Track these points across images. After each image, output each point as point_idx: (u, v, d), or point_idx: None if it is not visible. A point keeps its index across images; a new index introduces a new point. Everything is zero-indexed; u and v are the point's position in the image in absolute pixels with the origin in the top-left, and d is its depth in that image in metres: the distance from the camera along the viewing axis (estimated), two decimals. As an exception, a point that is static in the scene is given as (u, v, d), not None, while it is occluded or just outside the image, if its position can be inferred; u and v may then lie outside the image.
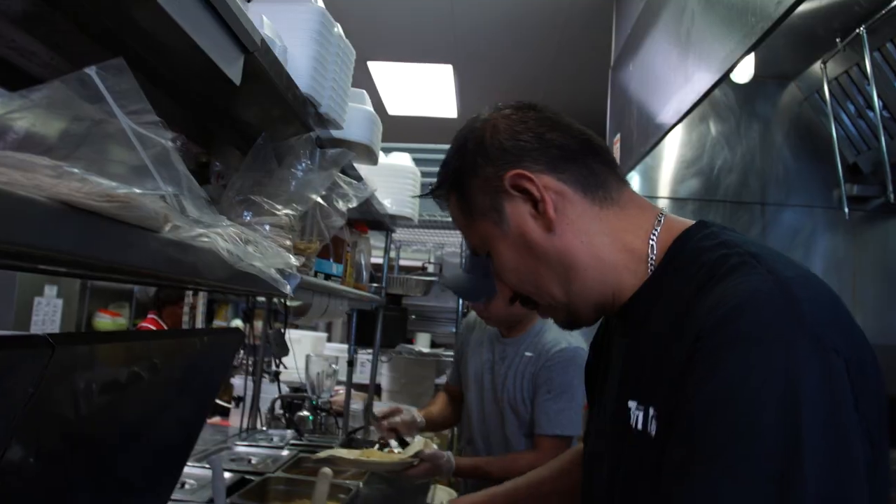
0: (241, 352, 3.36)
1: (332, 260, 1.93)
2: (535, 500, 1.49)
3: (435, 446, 2.02)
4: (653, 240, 0.89)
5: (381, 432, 2.22)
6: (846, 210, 3.12)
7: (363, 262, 2.42)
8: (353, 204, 1.44)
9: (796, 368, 0.68)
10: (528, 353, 2.16)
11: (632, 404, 0.87)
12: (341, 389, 3.73)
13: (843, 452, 0.68)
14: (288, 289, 1.08)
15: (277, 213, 1.22)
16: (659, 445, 0.79)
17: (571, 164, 0.90)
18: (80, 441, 1.66)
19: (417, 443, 1.98)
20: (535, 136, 0.90)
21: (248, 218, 1.24)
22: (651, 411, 0.82)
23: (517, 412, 2.16)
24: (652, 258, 0.88)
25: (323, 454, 2.03)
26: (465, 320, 2.49)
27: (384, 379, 4.19)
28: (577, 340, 2.18)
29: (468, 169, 0.93)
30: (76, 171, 0.59)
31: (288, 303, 3.61)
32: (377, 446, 2.22)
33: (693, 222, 0.90)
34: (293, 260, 1.08)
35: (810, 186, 3.53)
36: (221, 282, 1.11)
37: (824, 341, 0.70)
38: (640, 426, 0.84)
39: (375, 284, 2.90)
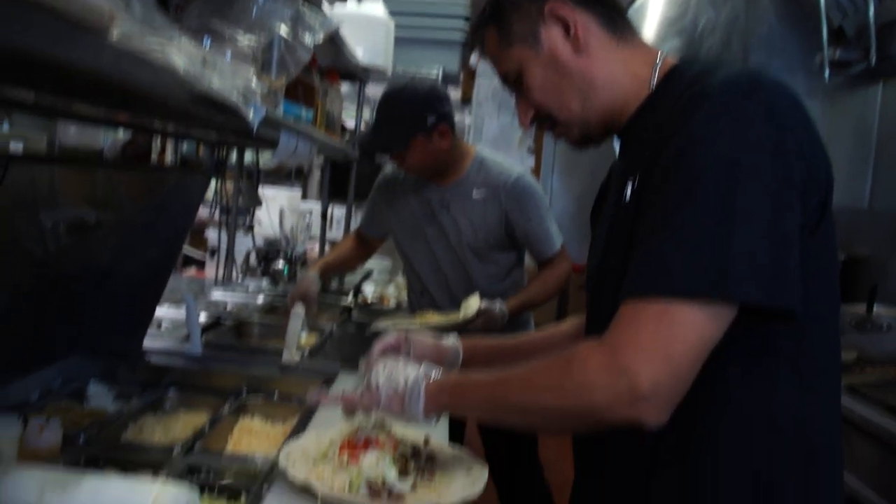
0: (215, 208, 3.37)
1: (301, 105, 1.90)
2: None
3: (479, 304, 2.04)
4: (654, 70, 1.04)
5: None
6: (827, 74, 3.09)
7: (335, 113, 2.38)
8: (320, 38, 1.40)
9: (750, 139, 0.84)
10: (477, 195, 2.14)
11: (625, 190, 0.99)
12: (315, 246, 3.78)
13: (777, 223, 0.83)
14: (252, 115, 1.06)
15: (239, 40, 1.18)
16: (634, 201, 0.95)
17: (596, 5, 1.05)
18: (53, 280, 1.69)
19: (473, 300, 2.00)
20: None
21: (208, 46, 1.20)
22: (634, 178, 0.96)
23: (480, 254, 2.17)
24: (652, 83, 1.03)
25: (379, 326, 2.07)
26: (383, 175, 2.41)
27: (359, 236, 4.23)
28: (520, 168, 2.21)
29: (508, 3, 1.06)
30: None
31: (260, 165, 3.58)
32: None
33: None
34: (256, 84, 1.06)
35: (792, 50, 3.47)
36: (181, 106, 1.09)
37: (783, 120, 0.86)
38: (627, 198, 0.98)
39: (349, 136, 2.88)
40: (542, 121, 1.11)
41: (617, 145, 1.14)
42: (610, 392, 0.83)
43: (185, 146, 3.03)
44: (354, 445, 1.23)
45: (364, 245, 2.55)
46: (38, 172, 1.33)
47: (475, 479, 1.22)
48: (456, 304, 2.17)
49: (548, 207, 2.21)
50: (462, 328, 1.99)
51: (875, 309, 3.00)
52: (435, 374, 1.13)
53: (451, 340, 1.36)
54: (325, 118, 2.19)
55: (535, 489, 2.45)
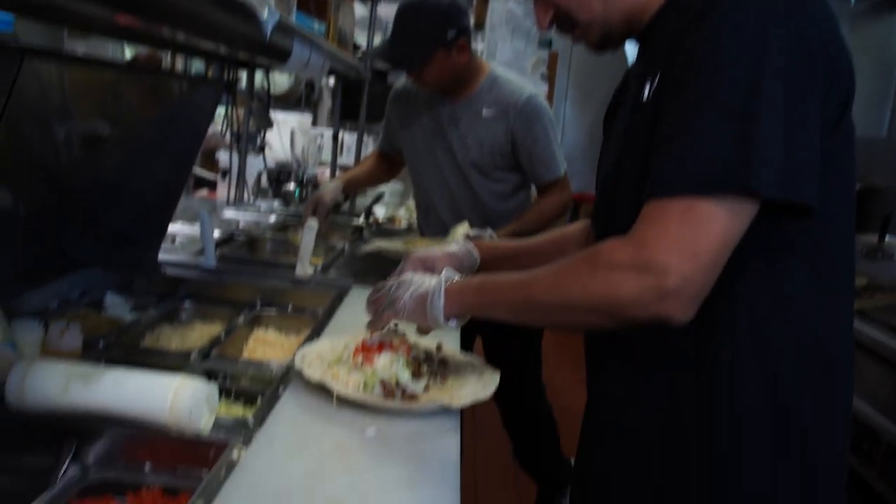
0: (226, 130, 3.34)
1: (313, 17, 1.86)
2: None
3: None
4: None
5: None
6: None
7: (347, 29, 2.34)
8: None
9: (773, 33, 0.82)
10: (487, 112, 2.10)
11: (643, 92, 0.97)
12: (326, 170, 3.77)
13: (798, 119, 0.82)
14: (266, 16, 1.04)
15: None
16: (656, 95, 0.92)
17: None
18: (67, 192, 1.70)
19: (461, 227, 1.99)
20: None
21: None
22: (653, 78, 0.94)
23: (486, 173, 2.15)
24: None
25: (369, 246, 2.08)
26: (395, 89, 2.35)
27: (370, 162, 4.21)
28: (532, 88, 2.14)
29: None
30: None
31: (272, 91, 3.53)
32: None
33: None
34: (267, -21, 1.03)
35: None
36: (194, 9, 1.07)
37: (806, 14, 0.84)
38: (646, 97, 0.95)
39: (361, 54, 2.82)
40: (561, 22, 1.08)
41: (631, 51, 1.11)
42: (637, 288, 0.84)
43: (193, 68, 2.98)
44: (369, 348, 1.25)
45: (387, 162, 2.52)
46: (48, 80, 1.32)
47: (486, 382, 1.25)
48: (459, 222, 2.17)
49: (556, 132, 2.17)
50: None
51: (887, 238, 2.99)
52: (456, 277, 1.14)
53: (467, 246, 1.37)
54: (337, 33, 2.15)
55: (538, 410, 2.49)
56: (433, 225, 2.28)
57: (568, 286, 0.91)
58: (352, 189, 2.53)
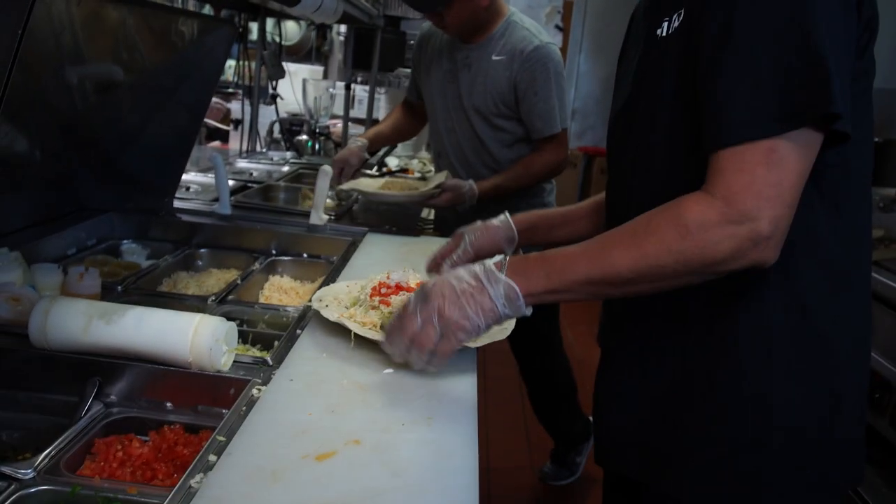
0: (238, 80, 3.32)
1: (326, -43, 1.82)
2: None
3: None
4: None
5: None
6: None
7: (359, -28, 2.29)
8: None
9: None
10: (496, 57, 2.05)
11: (658, 29, 0.95)
12: (339, 122, 3.74)
13: (845, 44, 0.82)
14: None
15: None
16: (684, 28, 0.90)
17: None
18: (82, 138, 1.69)
19: (439, 175, 1.99)
20: None
21: None
22: (675, 15, 0.92)
23: (487, 119, 2.11)
24: None
25: (345, 185, 2.07)
26: (421, 33, 2.30)
27: (381, 113, 4.18)
28: (546, 37, 2.09)
29: None
30: None
31: (283, 42, 3.48)
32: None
33: None
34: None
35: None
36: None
37: None
38: (664, 34, 0.94)
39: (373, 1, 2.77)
40: None
41: None
42: (735, 242, 0.82)
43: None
44: (386, 289, 1.25)
45: (412, 114, 2.48)
46: (60, 22, 1.30)
47: (504, 324, 1.25)
48: (468, 166, 2.16)
49: (564, 87, 2.10)
50: (425, 202, 1.99)
51: (905, 191, 2.95)
52: (499, 258, 1.01)
53: (500, 217, 1.30)
54: (349, -24, 2.11)
55: (556, 363, 2.50)
56: (446, 168, 2.26)
57: (656, 254, 0.86)
58: (378, 146, 2.49)
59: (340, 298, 1.32)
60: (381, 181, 2.22)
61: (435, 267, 1.23)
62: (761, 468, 0.94)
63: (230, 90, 3.75)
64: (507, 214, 1.31)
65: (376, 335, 1.16)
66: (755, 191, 0.81)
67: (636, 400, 1.04)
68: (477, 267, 0.98)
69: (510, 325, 1.24)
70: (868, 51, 0.89)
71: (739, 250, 0.83)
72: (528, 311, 0.97)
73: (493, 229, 1.28)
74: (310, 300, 1.38)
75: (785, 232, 0.84)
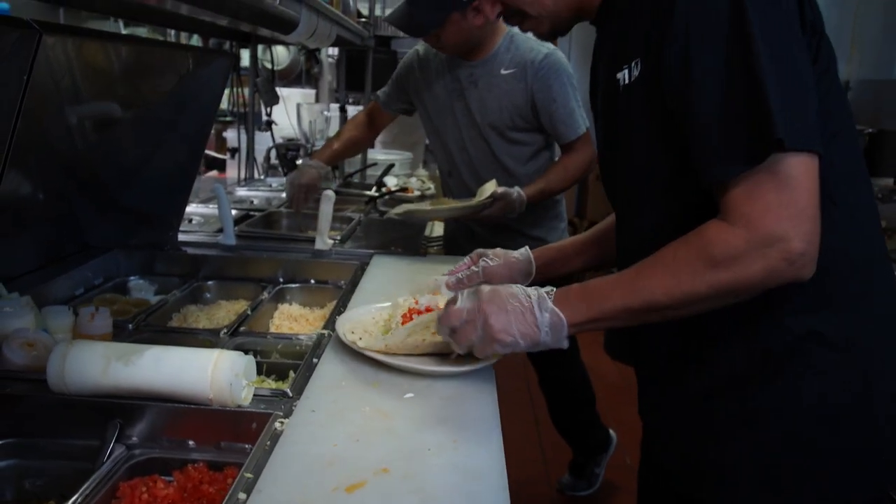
0: (233, 107, 3.32)
1: (316, -16, 1.83)
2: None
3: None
4: None
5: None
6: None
7: (349, -3, 2.30)
8: None
9: None
10: (506, 71, 2.07)
11: (619, 75, 0.99)
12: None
13: (803, 62, 0.86)
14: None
15: None
16: (645, 76, 0.94)
17: None
18: (84, 177, 1.69)
19: (489, 185, 1.97)
20: None
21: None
22: (633, 63, 0.96)
23: (503, 134, 2.13)
24: None
25: (398, 210, 2.04)
26: (414, 54, 2.30)
27: (376, 133, 4.19)
28: (549, 46, 2.12)
29: None
30: None
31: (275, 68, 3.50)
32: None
33: None
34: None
35: None
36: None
37: None
38: (626, 81, 0.98)
39: (364, 20, 2.79)
40: (510, 14, 1.12)
41: None
42: (767, 263, 0.84)
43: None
44: (416, 315, 1.25)
45: (373, 125, 2.49)
46: (58, 63, 1.31)
47: None
48: (481, 183, 2.15)
49: (576, 89, 2.14)
50: (478, 213, 1.98)
51: (904, 180, 2.96)
52: (549, 289, 1.03)
53: (521, 251, 1.36)
54: (340, 1, 2.12)
55: (574, 373, 2.50)
56: (458, 187, 2.27)
57: (691, 284, 0.89)
58: (335, 163, 2.52)
59: (369, 330, 1.31)
60: (427, 203, 2.20)
61: (456, 285, 1.29)
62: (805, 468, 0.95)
63: (227, 118, 3.76)
64: (528, 249, 1.37)
65: (421, 366, 1.17)
66: (775, 212, 0.83)
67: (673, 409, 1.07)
68: (532, 290, 1.01)
69: None
70: (821, 51, 0.92)
71: (775, 271, 0.84)
72: (566, 344, 1.00)
73: (513, 262, 1.34)
74: (324, 328, 1.38)
75: (817, 246, 0.85)
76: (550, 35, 1.14)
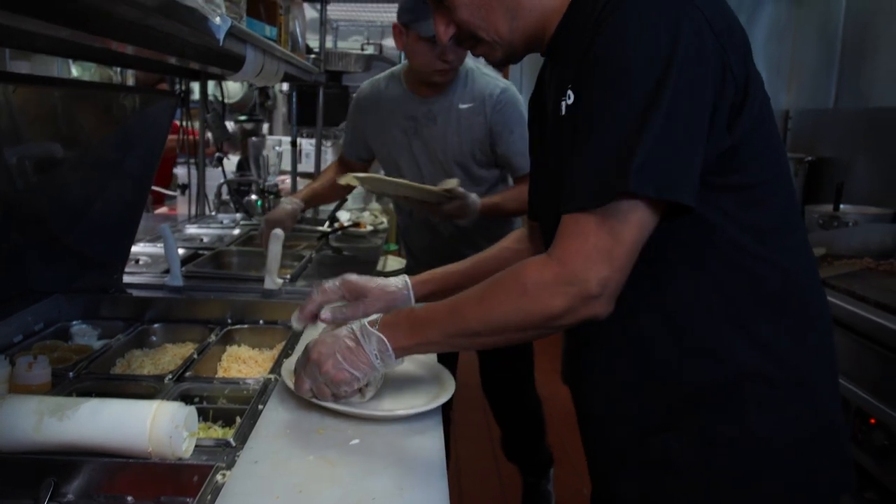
0: (182, 140, 3.28)
1: (264, 22, 1.84)
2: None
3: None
4: None
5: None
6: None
7: (298, 31, 2.31)
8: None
9: (663, 40, 0.87)
10: (463, 105, 2.11)
11: (561, 103, 1.01)
12: (287, 178, 3.73)
13: (685, 122, 0.88)
14: (219, 22, 1.02)
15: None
16: (574, 112, 0.97)
17: None
18: (24, 219, 1.65)
19: (451, 181, 1.95)
20: None
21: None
22: (568, 93, 0.99)
23: (465, 167, 2.15)
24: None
25: (360, 174, 1.94)
26: (359, 97, 2.32)
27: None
28: (505, 81, 2.16)
29: None
30: None
31: (226, 100, 3.49)
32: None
33: None
34: (218, -5, 1.02)
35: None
36: (143, 19, 1.05)
37: (696, 14, 0.88)
38: (563, 111, 1.00)
39: (314, 55, 2.80)
40: (462, 37, 1.11)
41: None
42: (567, 300, 0.91)
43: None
44: None
45: (352, 171, 2.49)
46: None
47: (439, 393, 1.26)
48: (443, 222, 2.15)
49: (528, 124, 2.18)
50: (437, 203, 1.96)
51: (841, 207, 3.07)
52: (376, 316, 1.13)
53: (399, 279, 1.36)
54: (289, 37, 2.13)
55: (531, 406, 2.52)
56: (416, 226, 2.28)
57: (502, 310, 0.96)
58: (313, 205, 2.51)
59: None
60: (394, 180, 2.15)
61: (309, 318, 1.34)
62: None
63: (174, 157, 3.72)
64: (408, 279, 1.36)
65: (353, 409, 1.16)
66: (584, 255, 0.90)
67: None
68: (356, 324, 1.12)
69: (448, 390, 1.25)
70: (745, 109, 0.94)
71: (571, 307, 0.91)
72: (400, 363, 1.10)
73: (391, 293, 1.33)
74: (270, 372, 1.36)
75: (615, 291, 0.91)
76: (502, 62, 1.15)
